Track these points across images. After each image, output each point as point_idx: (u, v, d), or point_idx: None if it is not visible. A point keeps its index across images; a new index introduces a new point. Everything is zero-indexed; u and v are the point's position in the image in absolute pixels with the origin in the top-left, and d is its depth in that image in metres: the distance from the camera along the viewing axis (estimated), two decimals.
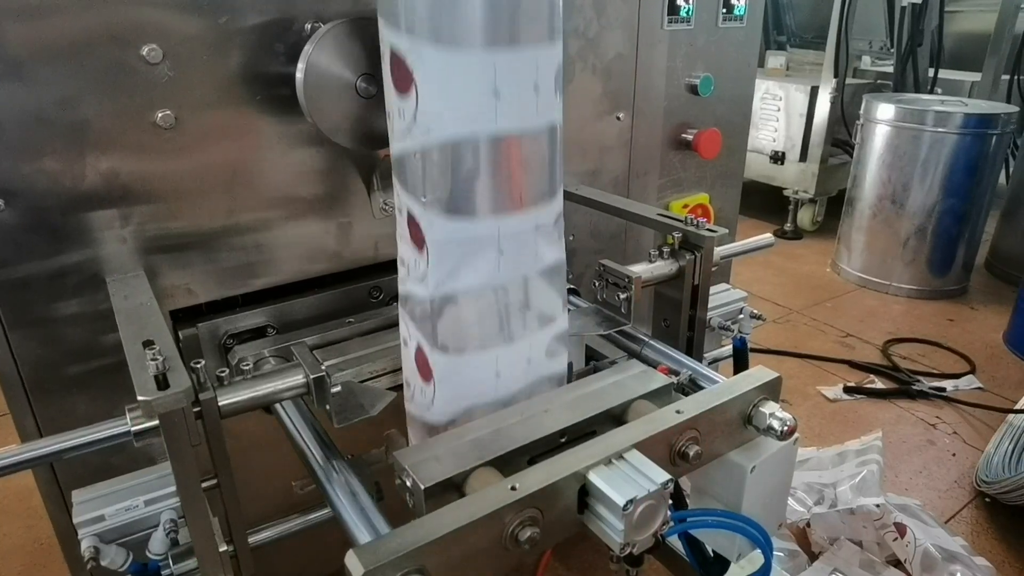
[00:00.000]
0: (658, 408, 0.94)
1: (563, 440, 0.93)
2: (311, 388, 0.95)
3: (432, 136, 0.88)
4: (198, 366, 0.85)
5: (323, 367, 0.98)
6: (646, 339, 1.26)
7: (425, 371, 1.00)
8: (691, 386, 1.12)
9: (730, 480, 0.95)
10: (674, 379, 1.08)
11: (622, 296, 1.21)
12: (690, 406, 0.89)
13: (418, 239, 0.94)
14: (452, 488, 0.83)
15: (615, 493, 0.74)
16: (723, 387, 0.95)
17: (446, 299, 0.95)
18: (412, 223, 0.95)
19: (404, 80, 0.88)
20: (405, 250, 0.98)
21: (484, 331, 0.98)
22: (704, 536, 1.05)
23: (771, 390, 0.95)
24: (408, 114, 0.89)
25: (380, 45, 0.92)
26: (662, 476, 0.77)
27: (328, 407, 0.96)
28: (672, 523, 0.80)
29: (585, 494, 0.78)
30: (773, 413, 0.92)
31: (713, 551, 1.07)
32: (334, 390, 0.96)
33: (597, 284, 1.28)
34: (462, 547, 0.70)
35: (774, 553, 0.90)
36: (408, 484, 0.83)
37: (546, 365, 1.07)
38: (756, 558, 0.92)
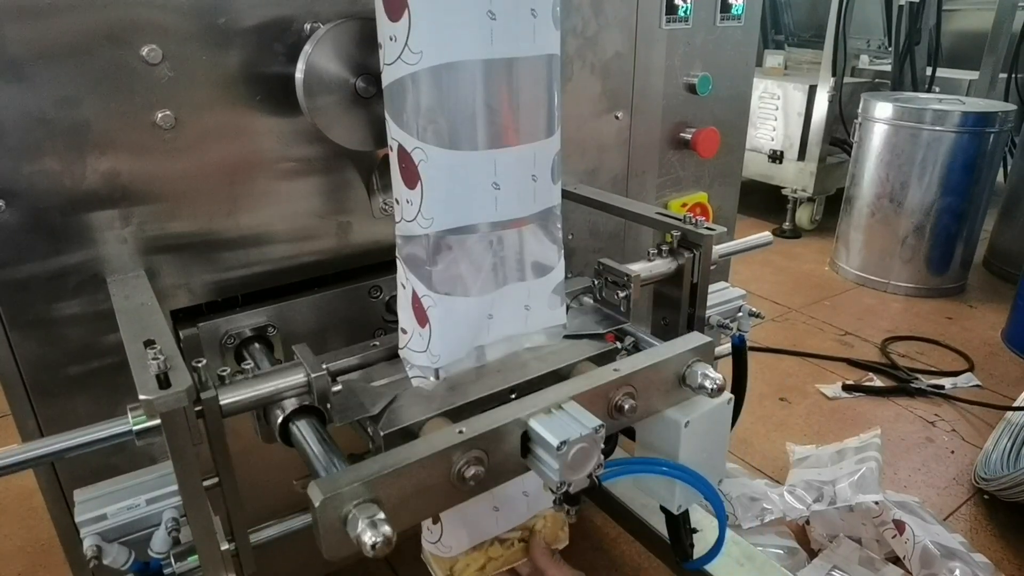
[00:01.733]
0: None
1: (513, 396, 1.01)
2: (312, 388, 0.96)
3: (424, 62, 0.90)
4: (199, 365, 0.86)
5: (324, 368, 0.98)
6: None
7: (421, 315, 1.01)
8: (636, 351, 1.17)
9: (668, 434, 1.03)
10: (618, 344, 1.15)
11: (621, 295, 1.22)
12: (627, 365, 0.96)
13: (411, 176, 0.95)
14: (410, 435, 0.93)
15: (551, 436, 0.82)
16: (658, 349, 1.02)
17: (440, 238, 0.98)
18: (404, 157, 0.95)
19: (397, 6, 0.89)
20: (399, 190, 0.99)
21: (478, 274, 1.00)
22: (652, 490, 1.10)
23: (704, 352, 1.01)
24: (400, 37, 0.90)
25: None
26: (595, 422, 0.84)
27: (328, 406, 0.97)
28: (605, 468, 0.88)
29: (528, 440, 0.86)
30: (705, 373, 0.98)
31: (692, 529, 1.15)
32: (335, 389, 0.97)
33: (596, 283, 1.29)
34: (413, 481, 0.78)
35: (726, 518, 1.01)
36: (371, 432, 0.94)
37: (548, 316, 1.11)
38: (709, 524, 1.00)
